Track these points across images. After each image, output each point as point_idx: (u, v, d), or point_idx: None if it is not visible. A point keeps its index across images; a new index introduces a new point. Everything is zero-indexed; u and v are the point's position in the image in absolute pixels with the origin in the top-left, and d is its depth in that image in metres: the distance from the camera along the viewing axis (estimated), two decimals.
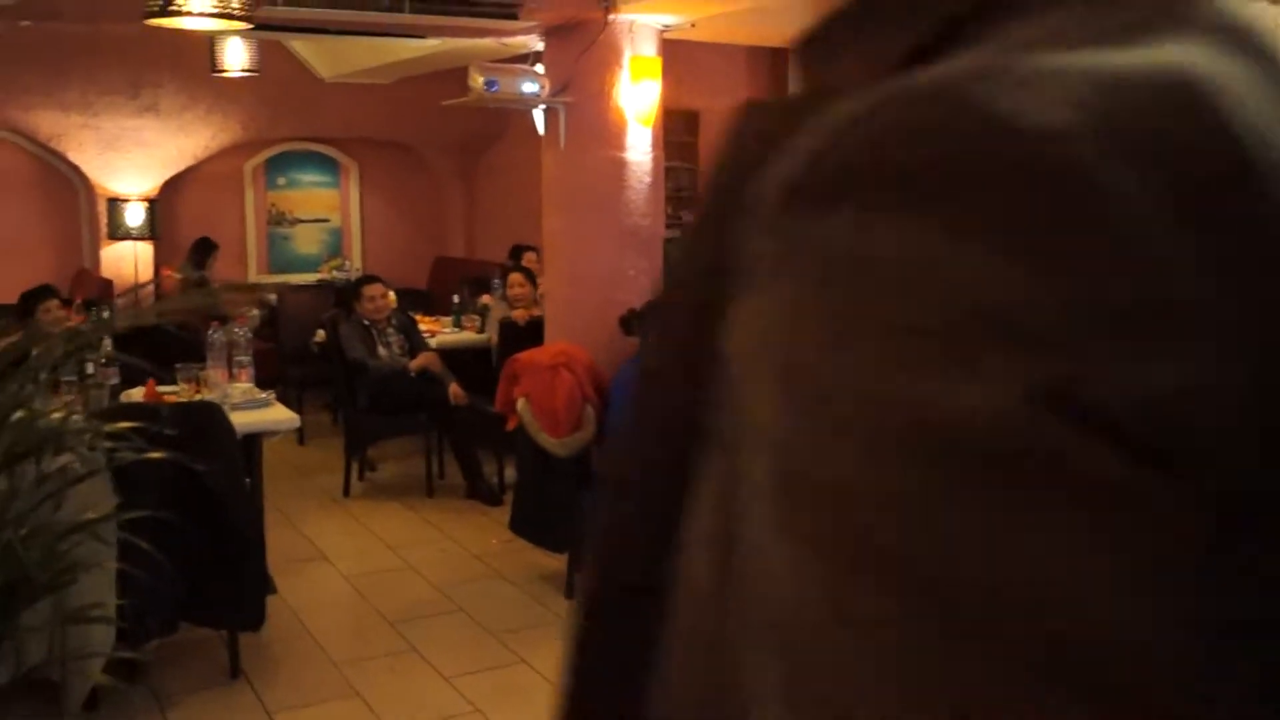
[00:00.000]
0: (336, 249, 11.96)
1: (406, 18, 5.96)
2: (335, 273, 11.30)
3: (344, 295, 8.53)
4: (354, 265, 11.59)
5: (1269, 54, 0.50)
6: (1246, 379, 0.42)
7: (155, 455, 3.94)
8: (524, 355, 6.30)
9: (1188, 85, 0.46)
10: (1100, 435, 0.40)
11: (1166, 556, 0.40)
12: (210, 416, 4.88)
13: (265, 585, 5.35)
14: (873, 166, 0.44)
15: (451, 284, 9.80)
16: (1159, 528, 0.40)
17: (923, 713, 0.40)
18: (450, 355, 7.84)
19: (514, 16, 6.17)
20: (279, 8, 5.60)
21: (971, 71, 0.46)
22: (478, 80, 6.34)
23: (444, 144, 11.92)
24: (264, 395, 5.74)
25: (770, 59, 11.81)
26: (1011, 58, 0.47)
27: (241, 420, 5.19)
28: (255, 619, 5.11)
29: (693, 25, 6.85)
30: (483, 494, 7.39)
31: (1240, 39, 0.50)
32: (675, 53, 8.97)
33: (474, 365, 7.95)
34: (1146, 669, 0.39)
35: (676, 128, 11.01)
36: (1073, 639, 0.39)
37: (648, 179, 6.65)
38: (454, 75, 8.32)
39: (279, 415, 5.63)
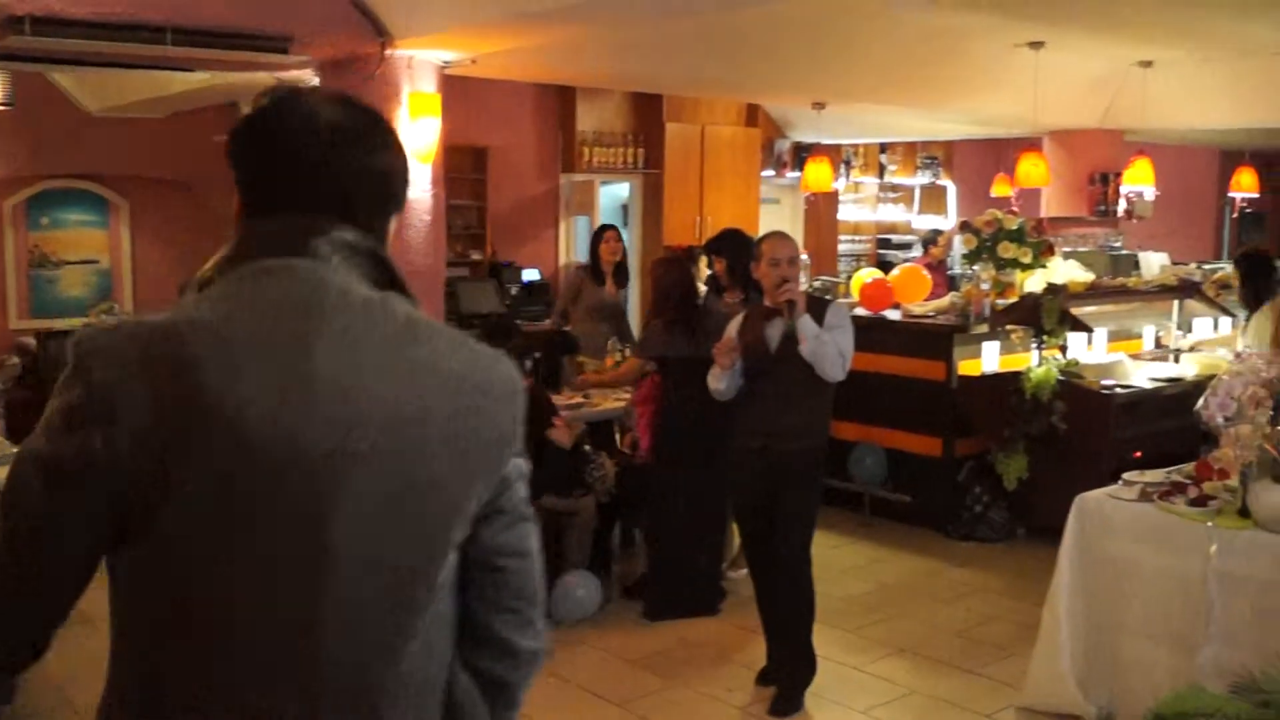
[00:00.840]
0: (106, 292, 11.42)
1: (170, 50, 5.75)
2: (104, 316, 10.83)
3: None
4: (124, 309, 11.12)
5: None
6: (128, 443, 1.45)
7: None
8: None
9: (171, 328, 1.52)
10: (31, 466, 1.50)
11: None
12: None
13: None
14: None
15: None
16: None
17: None
18: None
19: (284, 51, 6.02)
20: (29, 38, 5.35)
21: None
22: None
23: (222, 181, 11.50)
24: (16, 450, 5.43)
25: (559, 96, 11.88)
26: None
27: None
28: (3, 692, 4.81)
29: (473, 61, 6.84)
30: None
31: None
32: (462, 89, 8.96)
33: None
34: None
35: (464, 164, 10.98)
36: None
37: (428, 217, 6.59)
38: (230, 110, 8.12)
39: None
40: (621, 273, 8.23)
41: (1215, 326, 8.80)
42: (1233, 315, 8.48)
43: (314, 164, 1.62)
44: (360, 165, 1.65)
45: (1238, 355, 5.03)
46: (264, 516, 1.48)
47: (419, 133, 6.46)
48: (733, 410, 5.29)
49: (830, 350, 4.92)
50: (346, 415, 1.50)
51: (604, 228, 8.36)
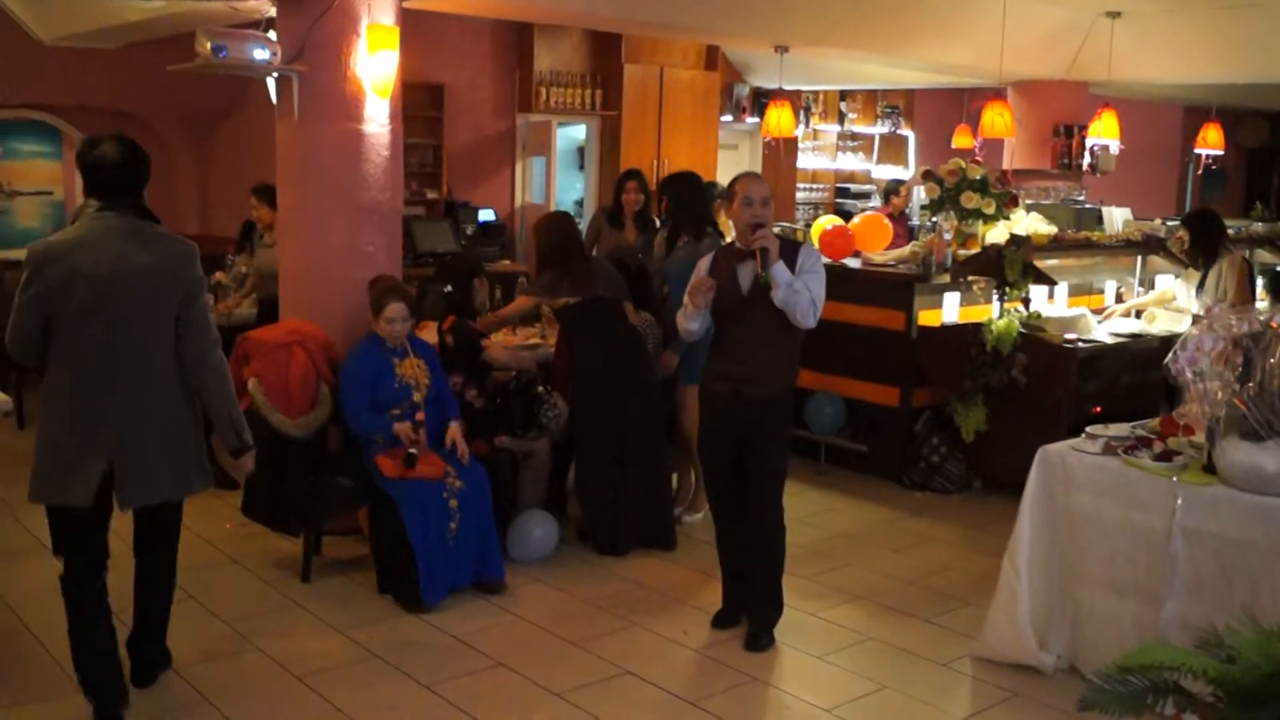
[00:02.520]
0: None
1: None
2: None
3: None
4: None
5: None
6: (48, 288, 4.05)
7: None
8: (255, 334, 6.03)
9: (63, 239, 4.14)
10: (18, 297, 4.08)
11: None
12: None
13: None
14: None
15: None
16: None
17: None
18: None
19: None
20: None
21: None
22: (205, 45, 6.00)
23: (176, 115, 11.33)
24: None
25: (515, 32, 11.69)
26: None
27: None
28: None
29: None
30: (217, 478, 7.04)
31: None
32: (419, 25, 8.77)
33: None
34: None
35: (420, 102, 10.79)
36: None
37: (386, 152, 6.42)
38: (186, 41, 7.87)
39: None
40: (643, 219, 8.12)
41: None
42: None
43: (111, 174, 4.14)
44: (128, 172, 4.17)
45: (1208, 310, 5.01)
46: (100, 307, 4.04)
47: (377, 66, 6.29)
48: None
49: (803, 299, 4.87)
50: (126, 268, 4.05)
51: (627, 175, 8.27)
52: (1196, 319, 7.38)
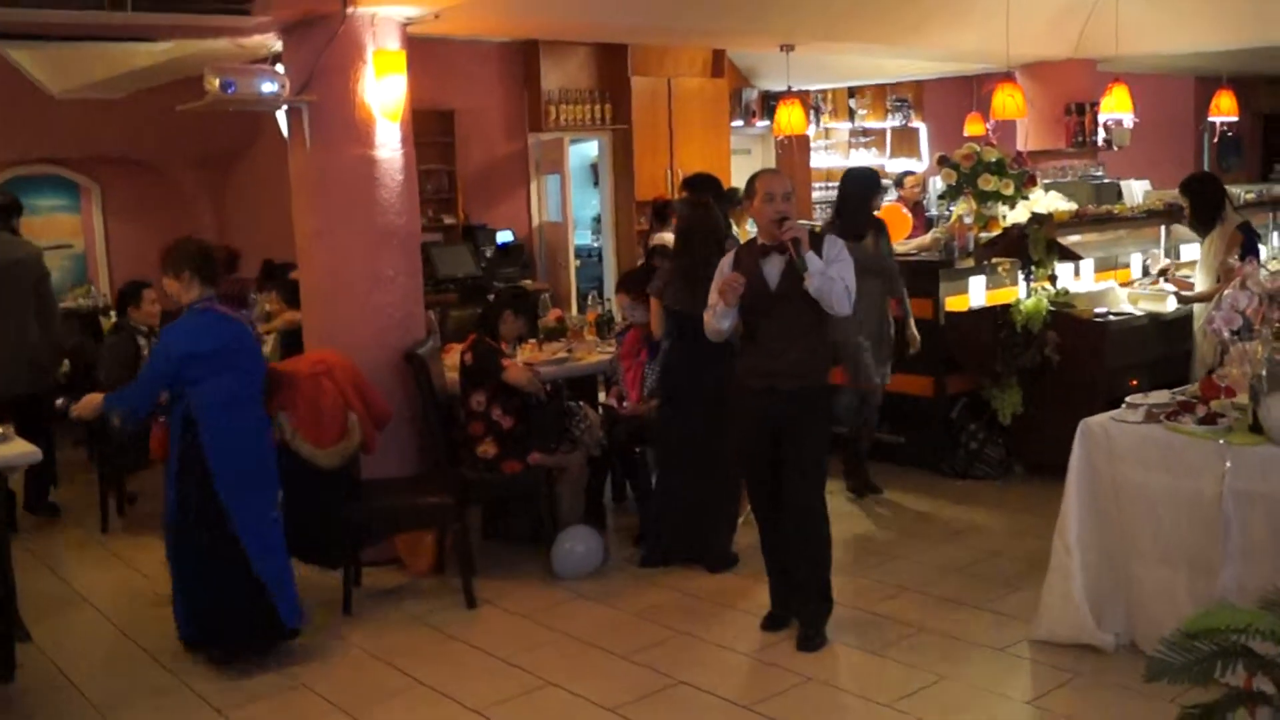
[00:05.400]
0: (81, 275, 11.37)
1: (129, 17, 5.56)
2: (82, 300, 10.70)
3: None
4: (101, 291, 10.99)
5: None
6: None
7: None
8: (283, 365, 6.02)
9: None
10: None
11: None
12: None
13: (13, 633, 5.00)
14: None
15: None
16: None
17: None
18: None
19: (246, 13, 5.84)
20: None
21: None
22: (213, 82, 6.01)
23: (189, 158, 11.39)
24: None
25: (522, 52, 11.69)
26: None
27: None
28: (3, 670, 4.82)
29: (436, 17, 6.64)
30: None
31: None
32: (427, 52, 8.77)
33: None
34: None
35: (431, 128, 10.80)
36: None
37: (400, 176, 6.42)
38: (195, 84, 7.89)
39: (17, 449, 5.20)
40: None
41: None
42: None
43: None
44: (9, 209, 7.77)
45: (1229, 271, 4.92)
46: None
47: (385, 91, 6.29)
48: (726, 356, 5.22)
49: (837, 285, 4.85)
50: (7, 262, 7.39)
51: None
52: (1186, 299, 7.27)
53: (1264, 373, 4.19)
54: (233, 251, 10.02)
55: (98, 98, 9.97)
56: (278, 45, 6.65)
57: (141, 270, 10.81)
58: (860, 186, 7.07)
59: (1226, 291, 4.38)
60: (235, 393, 5.03)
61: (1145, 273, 8.60)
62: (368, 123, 6.30)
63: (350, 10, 6.14)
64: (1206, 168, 15.62)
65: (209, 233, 11.77)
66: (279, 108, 6.39)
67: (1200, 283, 7.26)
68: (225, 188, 11.85)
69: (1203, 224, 7.19)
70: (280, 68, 6.37)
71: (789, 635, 5.20)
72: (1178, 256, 8.71)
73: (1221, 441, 4.34)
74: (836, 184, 14.63)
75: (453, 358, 6.58)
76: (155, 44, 7.21)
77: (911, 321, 7.22)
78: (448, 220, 11.35)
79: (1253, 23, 10.30)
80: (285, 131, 6.52)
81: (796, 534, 5.13)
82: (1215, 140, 12.78)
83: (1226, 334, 4.30)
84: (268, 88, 6.10)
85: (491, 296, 6.46)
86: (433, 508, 5.89)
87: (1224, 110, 11.93)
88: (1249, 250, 6.73)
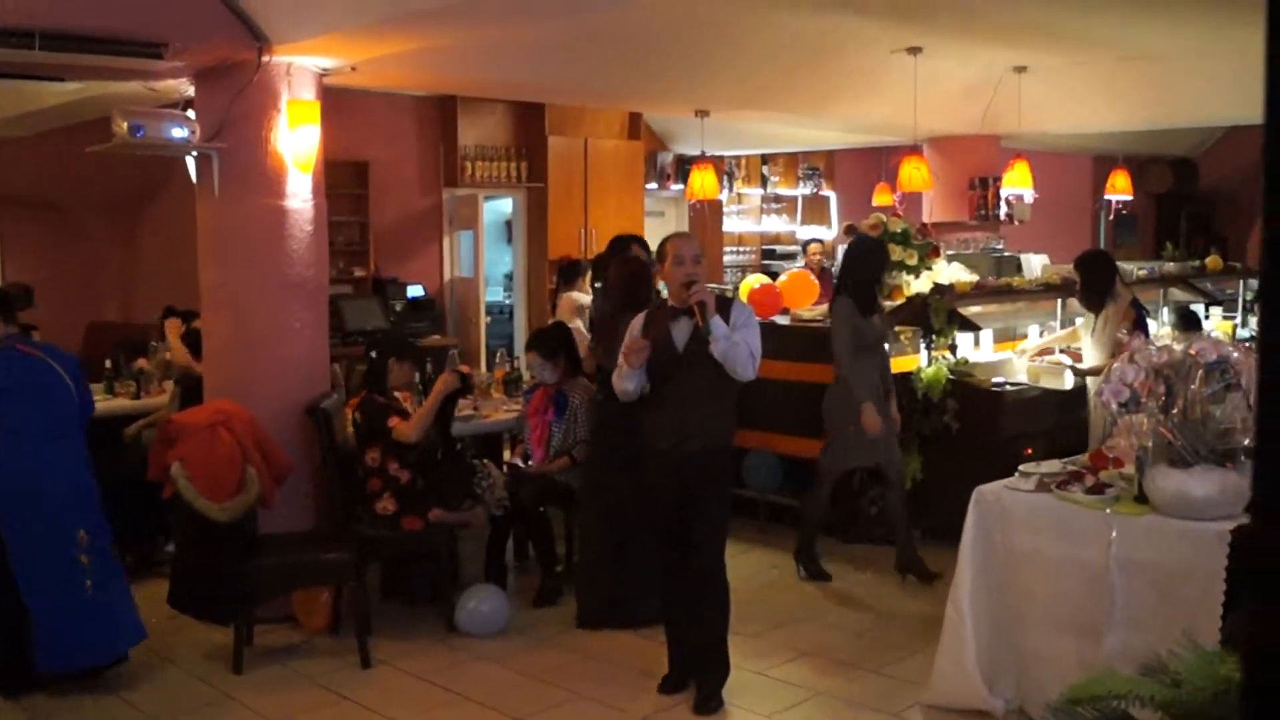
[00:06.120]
0: None
1: (36, 56, 5.49)
2: None
3: None
4: None
5: None
6: None
7: None
8: (180, 415, 5.93)
9: None
10: None
11: None
12: None
13: None
14: None
15: (106, 349, 9.15)
16: None
17: None
18: (103, 423, 7.29)
19: (158, 56, 5.80)
20: None
21: None
22: (122, 125, 5.96)
23: (97, 201, 11.21)
24: None
25: (440, 108, 11.72)
26: None
27: None
28: None
29: (353, 69, 6.66)
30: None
31: None
32: (342, 103, 8.77)
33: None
34: None
35: (345, 180, 10.77)
36: None
37: (310, 227, 6.39)
38: (104, 125, 7.83)
39: None
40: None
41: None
42: None
43: None
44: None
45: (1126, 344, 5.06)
46: None
47: (298, 141, 6.27)
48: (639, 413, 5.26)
49: (742, 351, 4.89)
50: None
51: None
52: (1080, 373, 7.40)
53: (1149, 444, 4.32)
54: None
55: (2, 135, 9.82)
56: (191, 90, 6.61)
57: (38, 313, 10.62)
58: (875, 257, 6.95)
59: (1115, 365, 4.51)
60: (35, 426, 5.21)
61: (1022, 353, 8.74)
62: (279, 172, 6.27)
63: (266, 59, 6.12)
64: (1103, 244, 16.10)
65: (112, 277, 11.60)
66: (188, 153, 6.34)
67: (1091, 356, 7.42)
68: (133, 232, 11.68)
69: (1093, 298, 7.34)
70: (192, 113, 6.33)
71: (686, 698, 5.20)
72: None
73: (1108, 511, 4.46)
74: (748, 249, 15.13)
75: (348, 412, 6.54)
76: (65, 84, 7.13)
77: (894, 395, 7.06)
78: (358, 272, 11.29)
79: (1147, 106, 10.68)
80: (194, 177, 6.47)
81: (696, 597, 5.15)
82: (1111, 218, 13.16)
83: (1115, 406, 4.42)
84: (177, 133, 6.06)
85: (374, 354, 6.36)
86: (329, 564, 5.82)
87: (1119, 189, 12.32)
88: (1138, 325, 6.91)
